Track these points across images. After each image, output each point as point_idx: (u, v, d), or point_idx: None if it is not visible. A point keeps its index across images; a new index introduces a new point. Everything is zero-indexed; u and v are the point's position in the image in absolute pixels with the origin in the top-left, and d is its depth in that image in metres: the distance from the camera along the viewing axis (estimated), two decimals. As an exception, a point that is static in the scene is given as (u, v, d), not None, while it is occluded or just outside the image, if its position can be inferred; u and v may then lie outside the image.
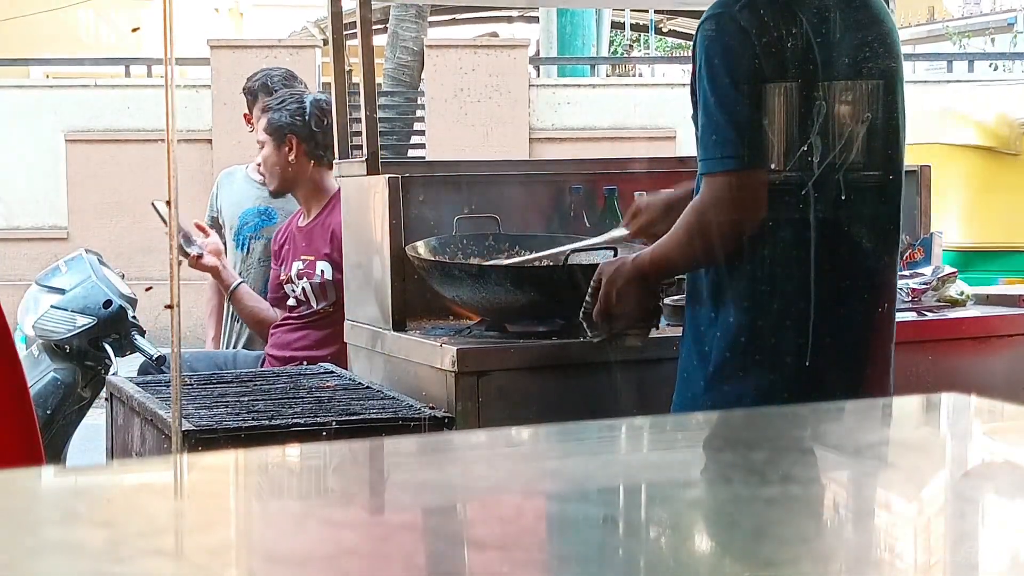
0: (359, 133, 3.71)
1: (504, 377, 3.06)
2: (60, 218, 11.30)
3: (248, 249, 4.72)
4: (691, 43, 2.73)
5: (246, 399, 3.22)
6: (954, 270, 3.57)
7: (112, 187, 11.07)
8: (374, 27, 3.82)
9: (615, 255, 2.94)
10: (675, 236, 2.67)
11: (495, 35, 16.26)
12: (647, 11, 16.72)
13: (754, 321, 2.63)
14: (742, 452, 1.65)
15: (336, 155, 3.81)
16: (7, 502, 1.41)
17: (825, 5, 2.65)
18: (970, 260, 6.42)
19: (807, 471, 1.56)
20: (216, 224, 4.85)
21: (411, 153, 11.96)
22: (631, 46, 19.25)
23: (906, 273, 3.56)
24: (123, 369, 4.63)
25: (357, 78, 4.19)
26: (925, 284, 3.52)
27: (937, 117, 6.99)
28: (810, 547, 1.27)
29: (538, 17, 14.98)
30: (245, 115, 4.89)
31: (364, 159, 3.51)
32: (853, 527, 1.38)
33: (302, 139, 4.32)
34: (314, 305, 4.29)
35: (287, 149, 4.33)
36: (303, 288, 4.30)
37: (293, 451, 2.07)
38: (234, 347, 4.75)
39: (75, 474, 2.06)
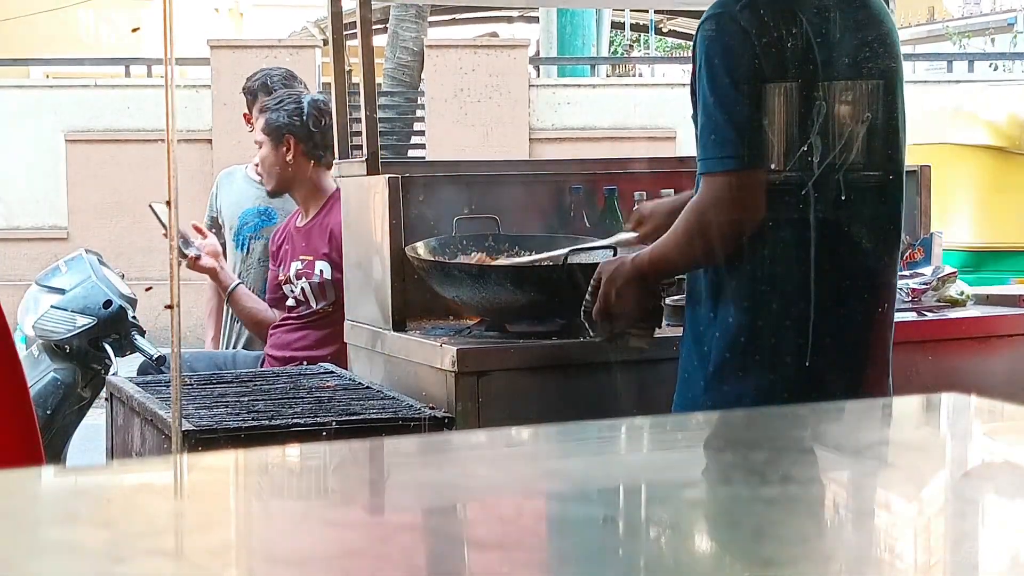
0: (359, 133, 3.71)
1: (504, 377, 3.06)
2: (60, 218, 11.30)
3: (248, 249, 4.72)
4: (691, 43, 2.73)
5: (246, 399, 3.22)
6: (954, 270, 3.57)
7: (112, 187, 11.07)
8: (374, 27, 3.82)
9: (615, 255, 2.94)
10: (674, 236, 2.67)
11: (495, 35, 16.27)
12: (647, 11, 16.73)
13: (754, 321, 2.63)
14: (742, 452, 1.65)
15: (336, 155, 3.81)
16: (7, 502, 1.41)
17: (825, 5, 2.65)
18: (981, 260, 6.42)
19: (807, 471, 1.56)
20: (216, 224, 4.85)
21: (411, 153, 11.97)
22: (631, 46, 19.25)
23: (906, 273, 3.56)
24: (123, 369, 4.63)
25: (357, 78, 4.19)
26: (925, 284, 3.52)
27: (948, 117, 7.00)
28: (810, 547, 1.27)
29: (538, 17, 14.98)
30: (245, 115, 4.89)
31: (364, 159, 3.51)
32: (853, 527, 1.38)
33: (300, 139, 4.32)
34: (313, 305, 4.29)
35: (285, 149, 4.33)
36: (302, 288, 4.30)
37: (293, 451, 2.07)
38: (234, 347, 4.75)
39: (75, 474, 2.06)
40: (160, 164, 2.56)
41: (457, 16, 16.93)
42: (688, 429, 1.97)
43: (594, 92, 11.89)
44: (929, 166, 4.03)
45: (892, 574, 1.23)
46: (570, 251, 3.13)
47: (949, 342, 3.41)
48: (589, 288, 2.80)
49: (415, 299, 3.36)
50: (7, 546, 1.25)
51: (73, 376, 4.53)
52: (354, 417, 3.01)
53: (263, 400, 3.21)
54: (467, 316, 3.38)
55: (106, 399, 3.63)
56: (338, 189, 4.31)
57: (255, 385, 3.43)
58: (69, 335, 4.49)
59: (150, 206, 4.31)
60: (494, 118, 11.37)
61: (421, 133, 11.87)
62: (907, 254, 3.69)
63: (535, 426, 1.96)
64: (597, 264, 2.87)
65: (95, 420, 4.47)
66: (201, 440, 2.84)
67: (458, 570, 1.22)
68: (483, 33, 16.62)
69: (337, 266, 4.15)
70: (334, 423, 2.95)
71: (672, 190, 3.46)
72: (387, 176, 3.37)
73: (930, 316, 3.44)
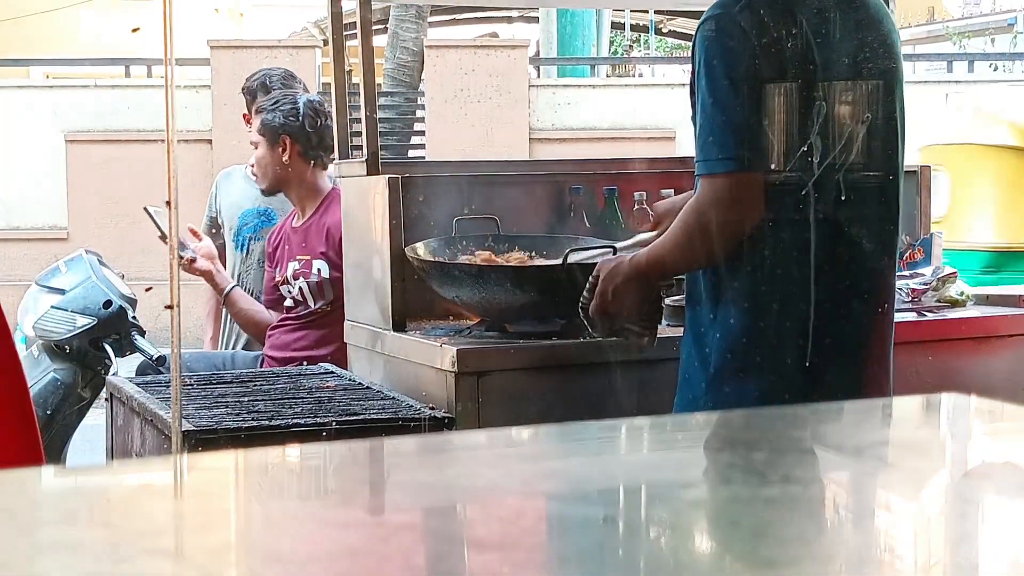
0: (359, 133, 3.71)
1: (504, 377, 3.06)
2: (60, 218, 11.30)
3: (248, 250, 4.72)
4: (691, 43, 2.73)
5: (246, 399, 3.22)
6: (954, 270, 3.57)
7: (112, 187, 11.07)
8: (374, 27, 3.82)
9: (615, 254, 2.94)
10: (672, 237, 2.67)
11: (495, 35, 16.27)
12: (647, 11, 16.73)
13: (754, 322, 2.63)
14: (742, 452, 1.65)
15: (336, 155, 3.81)
16: (7, 502, 1.41)
17: (824, 6, 2.65)
18: (1005, 260, 6.41)
19: (807, 471, 1.56)
20: (215, 224, 4.85)
21: (411, 153, 11.97)
22: (631, 46, 19.25)
23: (906, 273, 3.56)
24: (123, 369, 4.63)
25: (357, 78, 4.19)
26: (925, 284, 3.52)
27: (970, 117, 7.00)
28: (810, 547, 1.27)
29: (538, 17, 14.98)
30: (245, 115, 4.89)
31: (364, 159, 3.51)
32: (853, 527, 1.38)
33: (296, 139, 4.32)
34: (311, 305, 4.28)
35: (281, 150, 4.33)
36: (300, 288, 4.29)
37: (293, 451, 2.07)
38: (233, 347, 4.74)
39: (75, 474, 2.06)
40: (160, 164, 2.56)
41: (457, 16, 16.94)
42: (688, 429, 1.97)
43: (594, 92, 11.90)
44: (929, 166, 4.03)
45: (892, 574, 1.23)
46: (571, 251, 3.13)
47: (949, 342, 3.41)
48: (587, 286, 2.80)
49: (415, 299, 3.36)
50: (7, 546, 1.25)
51: (73, 376, 4.53)
52: (354, 417, 3.01)
53: (263, 400, 3.21)
54: (467, 316, 3.38)
55: (106, 399, 3.63)
56: (334, 189, 4.31)
57: (255, 385, 3.43)
58: (69, 335, 4.49)
59: (145, 209, 4.31)
60: (494, 118, 11.37)
61: (421, 133, 11.87)
62: (907, 254, 3.69)
63: (535, 426, 1.96)
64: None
65: (95, 420, 4.47)
66: (201, 440, 2.84)
67: (458, 570, 1.22)
68: (483, 33, 16.62)
69: (335, 265, 4.15)
70: (334, 423, 2.95)
71: (672, 190, 3.46)
72: (387, 176, 3.37)
73: (930, 316, 3.45)
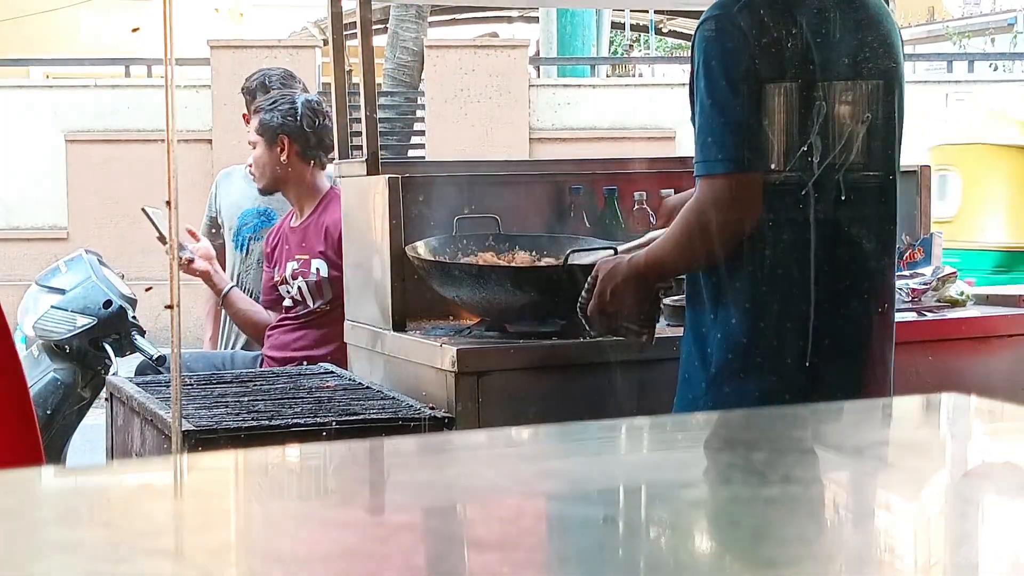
0: (359, 133, 3.71)
1: (504, 377, 3.06)
2: (60, 218, 11.30)
3: (247, 250, 4.71)
4: (690, 44, 2.73)
5: (246, 399, 3.22)
6: (954, 270, 3.57)
7: (112, 187, 11.07)
8: (374, 27, 3.82)
9: (615, 254, 2.94)
10: (670, 237, 2.67)
11: (495, 35, 16.27)
12: (647, 11, 16.73)
13: (755, 322, 2.63)
14: (742, 452, 1.65)
15: (336, 155, 3.81)
16: (7, 502, 1.41)
17: (824, 6, 2.65)
18: (1016, 260, 6.39)
19: (807, 471, 1.56)
20: (215, 224, 4.84)
21: (411, 153, 11.97)
22: (631, 46, 19.25)
23: (906, 273, 3.56)
24: (123, 369, 4.63)
25: (357, 78, 4.19)
26: (925, 284, 3.52)
27: (983, 117, 6.99)
28: (810, 547, 1.27)
29: (538, 17, 14.98)
30: (244, 115, 4.88)
31: (364, 159, 3.51)
32: (853, 527, 1.38)
33: (294, 139, 4.32)
34: (311, 304, 4.28)
35: (279, 149, 4.33)
36: (299, 287, 4.29)
37: (293, 451, 2.07)
38: (232, 347, 4.74)
39: (75, 474, 2.06)
40: (160, 164, 2.56)
41: (457, 16, 16.94)
42: (688, 429, 1.97)
43: (594, 92, 11.90)
44: (929, 166, 4.03)
45: (892, 574, 1.23)
46: (571, 252, 3.13)
47: (949, 342, 3.41)
48: (586, 285, 2.80)
49: (415, 299, 3.36)
50: (7, 546, 1.25)
51: (73, 376, 4.53)
52: (354, 417, 3.01)
53: (263, 400, 3.21)
54: (467, 316, 3.38)
55: (106, 399, 3.63)
56: (332, 188, 4.31)
57: (255, 385, 3.43)
58: (69, 335, 4.49)
59: (143, 210, 4.31)
60: (494, 118, 11.37)
61: (421, 133, 11.87)
62: (907, 254, 3.69)
63: (535, 426, 1.96)
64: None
65: (95, 420, 4.47)
66: (201, 440, 2.84)
67: (458, 570, 1.22)
68: (483, 33, 16.62)
69: (334, 264, 4.15)
70: (334, 423, 2.95)
71: (672, 190, 3.46)
72: (387, 176, 3.37)
73: (930, 316, 3.44)
